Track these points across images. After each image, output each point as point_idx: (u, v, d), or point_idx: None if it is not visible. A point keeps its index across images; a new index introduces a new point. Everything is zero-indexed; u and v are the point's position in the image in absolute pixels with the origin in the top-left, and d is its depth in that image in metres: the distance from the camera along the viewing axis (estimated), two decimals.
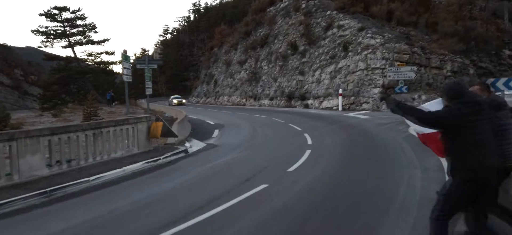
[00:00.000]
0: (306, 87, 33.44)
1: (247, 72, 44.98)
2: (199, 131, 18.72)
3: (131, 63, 18.49)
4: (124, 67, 14.48)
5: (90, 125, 9.73)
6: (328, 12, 35.69)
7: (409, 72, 23.98)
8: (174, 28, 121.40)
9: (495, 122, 3.35)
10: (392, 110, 3.44)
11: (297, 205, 5.93)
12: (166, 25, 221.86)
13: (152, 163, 10.24)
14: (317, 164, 9.24)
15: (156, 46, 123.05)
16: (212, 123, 22.73)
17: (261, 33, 45.81)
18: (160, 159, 10.70)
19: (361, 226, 4.92)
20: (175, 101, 51.40)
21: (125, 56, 14.38)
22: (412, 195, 6.13)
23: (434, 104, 4.84)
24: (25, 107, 57.47)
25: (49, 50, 48.76)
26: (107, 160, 10.13)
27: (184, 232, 4.97)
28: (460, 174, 3.17)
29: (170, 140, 13.88)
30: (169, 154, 11.33)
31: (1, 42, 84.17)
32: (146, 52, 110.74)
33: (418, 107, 3.55)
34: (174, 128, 14.72)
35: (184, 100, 53.02)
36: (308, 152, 10.85)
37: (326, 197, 6.33)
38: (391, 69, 24.62)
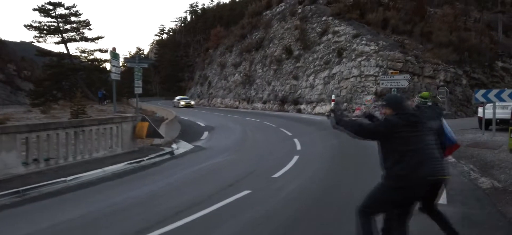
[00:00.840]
0: (299, 92, 33.28)
1: (241, 75, 44.76)
2: (189, 133, 18.42)
3: (122, 62, 18.21)
4: (113, 65, 14.15)
5: (71, 123, 9.41)
6: (324, 18, 35.63)
7: (402, 81, 23.83)
8: (170, 28, 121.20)
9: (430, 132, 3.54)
10: (334, 128, 3.60)
11: (279, 214, 5.67)
12: (162, 25, 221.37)
13: (134, 164, 9.94)
14: (304, 171, 9.00)
15: (151, 45, 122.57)
16: (202, 124, 22.44)
17: (257, 37, 45.68)
18: (143, 160, 10.40)
19: None
20: (182, 103, 44.26)
21: (113, 54, 14.06)
22: None
23: None
24: (17, 103, 56.71)
25: (42, 45, 48.14)
26: (88, 160, 9.81)
27: None
28: (390, 180, 3.29)
29: (157, 141, 13.58)
30: (153, 155, 11.03)
31: None
32: (141, 51, 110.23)
33: (355, 120, 3.64)
34: (162, 129, 14.43)
35: (193, 102, 46.41)
36: (296, 158, 10.62)
37: (310, 205, 6.09)
38: (384, 77, 24.48)
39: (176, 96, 51.25)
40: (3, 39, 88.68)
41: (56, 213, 5.89)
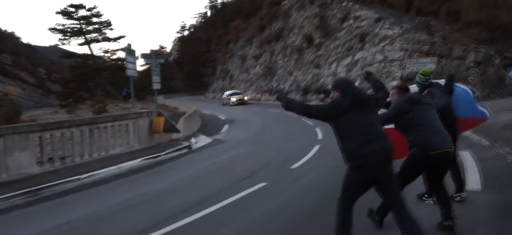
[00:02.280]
0: (322, 80, 32.50)
1: (262, 66, 44.30)
2: (209, 126, 18.24)
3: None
4: (128, 62, 14.06)
5: (85, 120, 9.32)
6: (344, 3, 34.55)
7: (429, 64, 22.74)
8: (191, 24, 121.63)
9: (410, 113, 3.82)
10: (285, 109, 3.62)
11: (293, 207, 5.27)
12: (183, 22, 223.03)
13: (151, 160, 9.76)
14: (323, 161, 8.54)
15: (173, 43, 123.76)
16: (223, 118, 22.23)
17: (276, 27, 45.01)
18: (160, 155, 10.22)
19: (364, 232, 4.22)
20: (233, 99, 35.13)
21: (129, 51, 13.96)
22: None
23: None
24: (48, 105, 58.48)
25: (67, 48, 49.32)
26: (105, 157, 9.72)
27: None
28: (349, 161, 3.31)
29: (176, 136, 13.43)
30: (171, 150, 10.85)
31: (25, 42, 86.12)
32: (163, 49, 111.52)
33: (302, 103, 3.68)
34: (180, 123, 14.27)
35: (246, 97, 36.86)
36: (316, 148, 10.15)
37: (327, 197, 5.60)
38: (410, 61, 23.47)
39: (226, 92, 39.90)
40: (32, 44, 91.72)
41: (63, 213, 5.73)
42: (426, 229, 3.98)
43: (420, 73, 4.98)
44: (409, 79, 23.88)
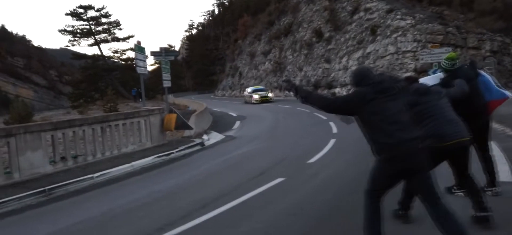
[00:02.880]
0: (332, 75, 32.11)
1: (272, 62, 44.00)
2: (220, 123, 18.08)
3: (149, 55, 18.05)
4: (138, 59, 13.92)
5: (97, 119, 9.20)
6: None
7: (444, 54, 22.20)
8: (199, 23, 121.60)
9: (420, 105, 3.68)
10: (302, 101, 3.41)
11: (313, 203, 5.04)
12: (191, 20, 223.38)
13: (163, 157, 9.62)
14: (341, 155, 8.29)
15: (182, 42, 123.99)
16: (234, 114, 22.06)
17: (285, 22, 44.65)
18: (173, 152, 10.07)
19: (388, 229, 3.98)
20: (256, 96, 30.69)
21: (139, 48, 13.83)
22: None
23: (433, 79, 4.76)
24: (60, 107, 59.13)
25: (76, 49, 49.51)
26: (117, 155, 9.60)
27: None
28: (379, 153, 3.12)
29: (188, 133, 13.28)
30: (183, 147, 10.69)
31: (36, 45, 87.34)
32: (172, 48, 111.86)
33: (323, 96, 3.52)
34: (192, 120, 14.11)
35: (271, 94, 32.22)
36: (332, 142, 9.90)
37: (347, 193, 5.38)
38: (423, 52, 22.89)
39: (248, 88, 35.32)
40: (43, 47, 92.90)
41: (77, 212, 5.59)
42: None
43: (446, 58, 4.73)
44: (423, 71, 23.40)
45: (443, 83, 4.53)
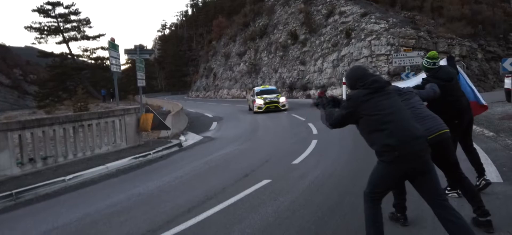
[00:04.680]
0: (307, 77, 32.31)
1: (247, 64, 43.84)
2: (197, 124, 17.67)
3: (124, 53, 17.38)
4: (112, 57, 13.33)
5: (69, 118, 8.64)
6: None
7: (416, 58, 22.71)
8: (172, 23, 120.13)
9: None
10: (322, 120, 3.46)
11: (307, 205, 4.84)
12: (164, 20, 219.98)
13: (140, 159, 9.18)
14: (325, 155, 8.17)
15: (154, 42, 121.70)
16: (210, 115, 21.67)
17: (260, 24, 44.65)
18: (150, 153, 9.64)
19: (387, 231, 3.84)
20: (259, 102, 20.71)
21: (112, 45, 13.22)
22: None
23: (415, 80, 4.81)
24: (25, 107, 56.40)
25: (44, 47, 47.36)
26: (91, 157, 9.07)
27: None
28: (381, 155, 2.97)
29: (164, 134, 12.84)
30: (160, 148, 10.27)
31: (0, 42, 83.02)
32: (144, 48, 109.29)
33: (328, 114, 3.39)
34: (168, 121, 13.66)
35: (283, 99, 21.40)
36: (314, 142, 9.79)
37: (340, 194, 5.23)
38: (397, 55, 23.39)
39: (256, 88, 23.85)
40: (7, 45, 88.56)
41: (51, 217, 5.13)
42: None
43: (427, 57, 4.69)
44: (396, 74, 23.91)
45: (425, 83, 4.48)
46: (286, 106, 20.50)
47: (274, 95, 20.95)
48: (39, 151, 8.01)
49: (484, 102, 4.98)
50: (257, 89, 22.73)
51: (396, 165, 2.92)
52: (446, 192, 4.62)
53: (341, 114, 3.19)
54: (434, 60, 4.56)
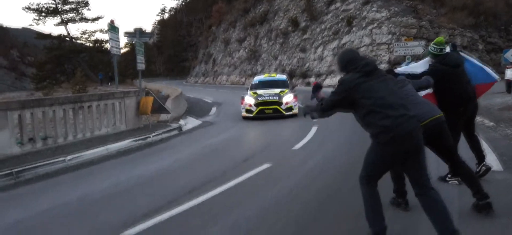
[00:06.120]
0: (307, 65, 32.20)
1: (246, 50, 43.60)
2: (196, 109, 17.65)
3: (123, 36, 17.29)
4: (111, 39, 13.22)
5: (69, 99, 8.60)
6: None
7: (417, 47, 22.69)
8: (171, 7, 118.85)
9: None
10: (312, 118, 3.51)
11: (308, 190, 4.87)
12: (163, 4, 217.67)
13: (140, 141, 9.16)
14: (326, 142, 8.18)
15: (153, 26, 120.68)
16: (209, 101, 21.64)
17: (261, 10, 44.26)
18: (150, 137, 9.62)
19: (390, 216, 3.85)
20: (250, 101, 12.67)
21: (112, 27, 13.10)
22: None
23: (422, 65, 4.67)
24: (22, 89, 56.04)
25: (42, 28, 46.95)
26: (90, 138, 9.05)
27: (168, 223, 3.91)
28: (377, 137, 3.00)
29: (163, 117, 12.81)
30: (160, 131, 10.25)
31: None
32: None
33: (318, 104, 3.33)
34: (167, 105, 13.62)
35: (289, 98, 12.68)
36: (314, 129, 9.79)
37: (342, 180, 5.25)
38: (397, 45, 23.33)
39: (256, 77, 15.96)
40: (4, 26, 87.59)
41: (52, 196, 5.15)
42: (457, 210, 3.68)
43: (434, 43, 4.65)
44: (396, 63, 23.83)
45: (432, 69, 4.46)
46: (294, 110, 12.38)
47: (277, 91, 12.79)
48: (39, 131, 7.98)
49: (496, 77, 4.88)
50: (256, 79, 14.92)
51: (391, 146, 2.95)
52: (447, 179, 4.65)
53: (332, 100, 3.17)
54: (442, 46, 4.53)
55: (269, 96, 12.54)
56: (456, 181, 4.54)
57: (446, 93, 4.24)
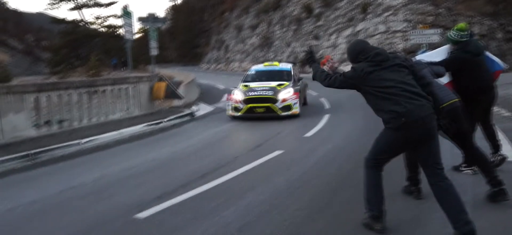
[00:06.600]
0: (321, 52, 31.88)
1: (259, 37, 43.36)
2: (208, 95, 17.72)
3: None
4: (125, 24, 13.31)
5: (83, 82, 8.73)
6: None
7: (433, 35, 22.20)
8: None
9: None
10: (312, 78, 3.53)
11: (319, 176, 4.87)
12: None
13: (153, 126, 9.26)
14: (337, 130, 8.15)
15: (166, 11, 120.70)
16: (222, 87, 21.66)
17: None
18: (162, 121, 9.72)
19: (400, 207, 3.84)
20: (238, 97, 10.04)
21: (125, 12, 13.19)
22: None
23: (440, 53, 4.57)
24: (38, 73, 56.93)
25: (56, 13, 47.35)
26: (104, 122, 9.20)
27: (181, 206, 3.96)
28: (388, 122, 3.02)
29: (176, 103, 12.91)
30: (173, 116, 10.34)
31: (13, 8, 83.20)
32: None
33: (327, 73, 3.41)
34: (180, 90, 13.70)
35: (288, 93, 9.98)
36: (326, 117, 9.76)
37: (353, 167, 5.21)
38: (413, 32, 22.87)
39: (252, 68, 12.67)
40: (20, 10, 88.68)
41: (67, 178, 5.26)
42: (471, 201, 3.64)
43: (456, 29, 4.52)
44: (411, 51, 23.43)
45: (453, 57, 4.37)
46: (294, 110, 9.81)
47: (273, 85, 10.16)
48: (54, 115, 8.14)
49: (502, 65, 4.80)
50: (253, 69, 12.34)
51: (403, 132, 2.96)
52: (461, 169, 4.60)
53: (341, 80, 3.23)
54: (464, 33, 4.42)
55: (262, 90, 9.89)
56: (470, 171, 4.49)
57: (466, 81, 4.17)
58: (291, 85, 10.24)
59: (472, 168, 4.47)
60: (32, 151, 6.43)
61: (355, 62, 3.22)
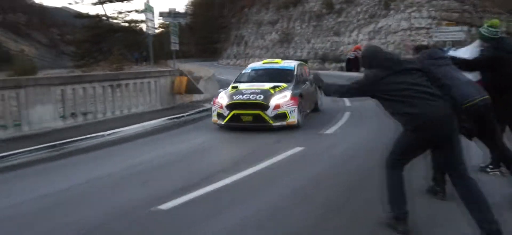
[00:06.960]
0: (341, 48, 31.54)
1: (279, 33, 43.23)
2: None
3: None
4: (147, 19, 13.50)
5: (107, 76, 8.94)
6: None
7: (459, 33, 21.65)
8: None
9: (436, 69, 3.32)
10: (325, 95, 3.64)
11: (340, 174, 4.85)
12: None
13: (174, 120, 9.39)
14: (358, 127, 8.05)
15: (187, 7, 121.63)
16: None
17: None
18: (183, 116, 9.84)
19: (419, 208, 3.77)
20: (222, 102, 8.02)
21: (148, 7, 13.36)
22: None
23: (470, 50, 4.40)
24: (62, 66, 58.44)
25: (79, 8, 48.50)
26: (127, 115, 9.38)
27: (201, 200, 4.02)
28: (406, 124, 3.06)
29: (196, 98, 13.03)
30: (193, 111, 10.45)
31: (38, 2, 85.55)
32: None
33: (341, 85, 3.49)
34: (200, 85, 13.82)
35: (284, 98, 7.83)
36: (347, 114, 9.65)
37: (373, 166, 5.10)
38: (438, 29, 22.36)
39: (250, 65, 10.91)
40: (44, 5, 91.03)
41: (91, 169, 5.41)
42: (498, 202, 3.55)
43: (488, 26, 4.37)
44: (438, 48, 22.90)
45: (484, 55, 4.25)
46: (291, 119, 7.77)
47: (267, 87, 8.21)
48: (79, 107, 8.35)
49: None
50: (250, 67, 10.45)
51: (420, 132, 2.97)
52: (488, 170, 4.48)
53: (355, 88, 3.30)
54: (497, 30, 4.29)
55: (251, 94, 7.93)
56: (498, 172, 4.38)
57: (498, 79, 4.04)
58: (290, 88, 8.22)
59: (500, 169, 4.35)
60: (58, 142, 6.63)
61: (369, 68, 3.27)
